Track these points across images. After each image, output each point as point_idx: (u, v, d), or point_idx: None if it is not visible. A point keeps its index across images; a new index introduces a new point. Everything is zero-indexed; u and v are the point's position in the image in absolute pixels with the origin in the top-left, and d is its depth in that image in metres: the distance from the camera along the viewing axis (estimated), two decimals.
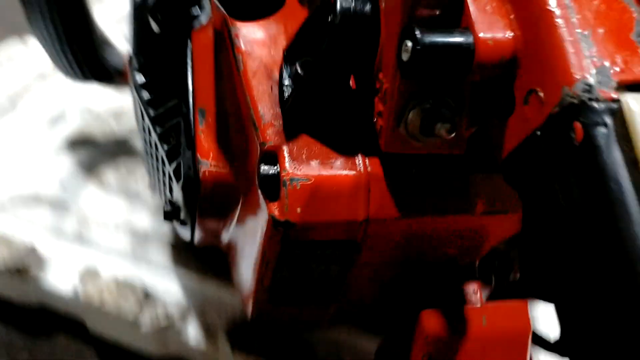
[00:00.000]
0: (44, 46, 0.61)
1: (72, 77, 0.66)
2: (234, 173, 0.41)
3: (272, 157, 0.36)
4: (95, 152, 0.75)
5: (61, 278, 0.61)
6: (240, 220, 0.43)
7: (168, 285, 0.61)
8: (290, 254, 0.37)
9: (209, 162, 0.40)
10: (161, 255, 0.64)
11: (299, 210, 0.35)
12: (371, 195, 0.36)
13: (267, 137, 0.36)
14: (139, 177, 0.72)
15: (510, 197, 0.38)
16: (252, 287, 0.41)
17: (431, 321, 0.39)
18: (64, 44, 0.58)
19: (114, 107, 0.80)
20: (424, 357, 0.39)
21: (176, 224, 0.49)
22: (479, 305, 0.40)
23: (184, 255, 0.63)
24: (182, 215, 0.45)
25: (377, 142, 0.35)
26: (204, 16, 0.43)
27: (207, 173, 0.40)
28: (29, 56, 0.85)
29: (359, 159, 0.36)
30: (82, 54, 0.60)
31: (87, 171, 0.72)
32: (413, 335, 0.40)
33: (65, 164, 0.73)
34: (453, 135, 0.32)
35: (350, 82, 0.37)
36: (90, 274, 0.61)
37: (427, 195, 0.37)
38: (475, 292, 0.41)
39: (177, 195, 0.43)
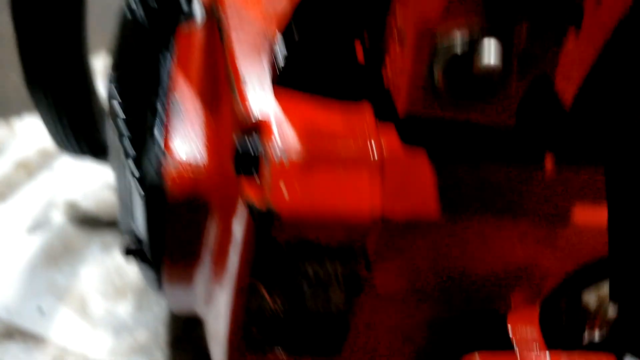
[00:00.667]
0: (43, 119, 0.58)
1: (69, 151, 0.62)
2: (213, 181, 0.32)
3: (255, 130, 0.27)
4: (79, 269, 0.67)
5: None
6: (216, 249, 0.33)
7: None
8: (273, 262, 0.27)
9: (179, 164, 0.31)
10: None
11: (285, 193, 0.25)
12: (387, 185, 0.26)
13: (249, 106, 0.27)
14: (129, 303, 0.63)
15: (597, 200, 0.28)
16: (225, 329, 0.30)
17: None
18: (63, 119, 0.56)
19: (106, 212, 0.73)
20: None
21: (140, 267, 0.39)
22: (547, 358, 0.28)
23: None
24: (146, 249, 0.35)
25: (394, 114, 0.26)
26: (196, 17, 0.37)
27: (176, 177, 0.31)
28: (15, 144, 0.81)
29: (370, 136, 0.27)
30: (81, 129, 0.58)
31: (68, 294, 0.64)
32: None
33: (44, 283, 0.65)
34: (501, 81, 0.24)
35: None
36: None
37: (469, 189, 0.27)
38: (535, 340, 0.29)
39: (141, 217, 0.34)
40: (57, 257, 0.69)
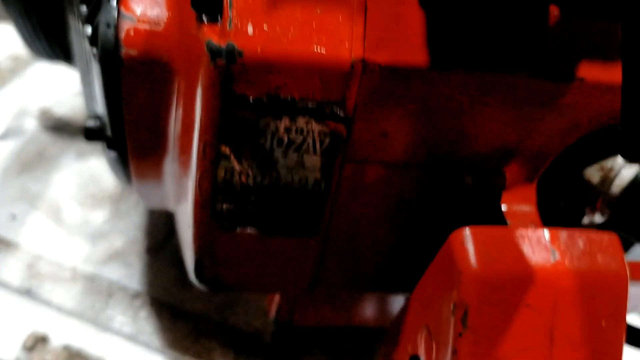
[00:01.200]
0: (15, 24, 0.55)
1: (41, 55, 0.60)
2: (174, 39, 0.28)
3: None
4: (54, 176, 0.64)
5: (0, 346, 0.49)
6: (182, 131, 0.29)
7: None
8: (239, 121, 0.24)
9: (134, 17, 0.27)
10: (128, 319, 0.52)
11: (250, 30, 0.22)
12: (370, 26, 0.23)
13: None
14: (106, 211, 0.60)
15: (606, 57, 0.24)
16: (193, 207, 0.27)
17: (467, 249, 0.24)
18: (35, 24, 0.54)
19: (81, 118, 0.70)
20: (456, 310, 0.24)
21: (107, 159, 0.36)
22: (545, 233, 0.25)
23: (159, 322, 0.52)
24: (108, 127, 0.32)
25: None
26: None
27: (132, 31, 0.27)
28: None
29: None
30: (52, 31, 0.55)
31: (42, 201, 0.61)
32: (438, 274, 0.25)
33: (17, 190, 0.62)
34: None
35: None
36: (37, 341, 0.50)
37: (462, 38, 0.24)
38: (531, 219, 0.27)
39: (99, 89, 0.31)
40: (30, 164, 0.66)
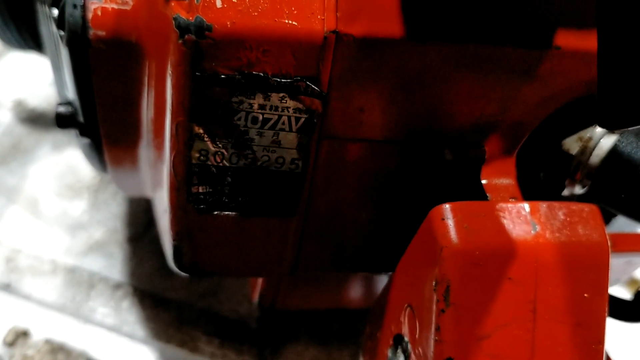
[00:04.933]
0: None
1: (13, 45, 0.58)
2: (142, 19, 0.27)
3: None
4: (30, 169, 0.63)
5: None
6: (155, 116, 0.28)
7: (117, 354, 0.49)
8: (211, 99, 0.23)
9: None
10: (111, 310, 0.51)
11: (219, 3, 0.21)
12: None
13: None
14: (84, 202, 0.59)
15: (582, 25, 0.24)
16: (168, 191, 0.26)
17: (448, 224, 0.24)
18: (4, 12, 0.52)
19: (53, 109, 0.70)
20: (437, 287, 0.24)
21: (81, 146, 0.35)
22: (524, 206, 0.25)
23: (142, 312, 0.51)
24: (79, 112, 0.31)
25: None
26: None
27: (99, 11, 0.26)
28: None
29: None
30: (22, 20, 0.53)
31: (19, 194, 0.60)
32: (419, 251, 0.25)
33: None
34: None
35: None
36: (18, 336, 0.50)
37: (438, 8, 0.23)
38: (511, 193, 0.26)
39: (68, 73, 0.30)
40: (5, 157, 0.64)
